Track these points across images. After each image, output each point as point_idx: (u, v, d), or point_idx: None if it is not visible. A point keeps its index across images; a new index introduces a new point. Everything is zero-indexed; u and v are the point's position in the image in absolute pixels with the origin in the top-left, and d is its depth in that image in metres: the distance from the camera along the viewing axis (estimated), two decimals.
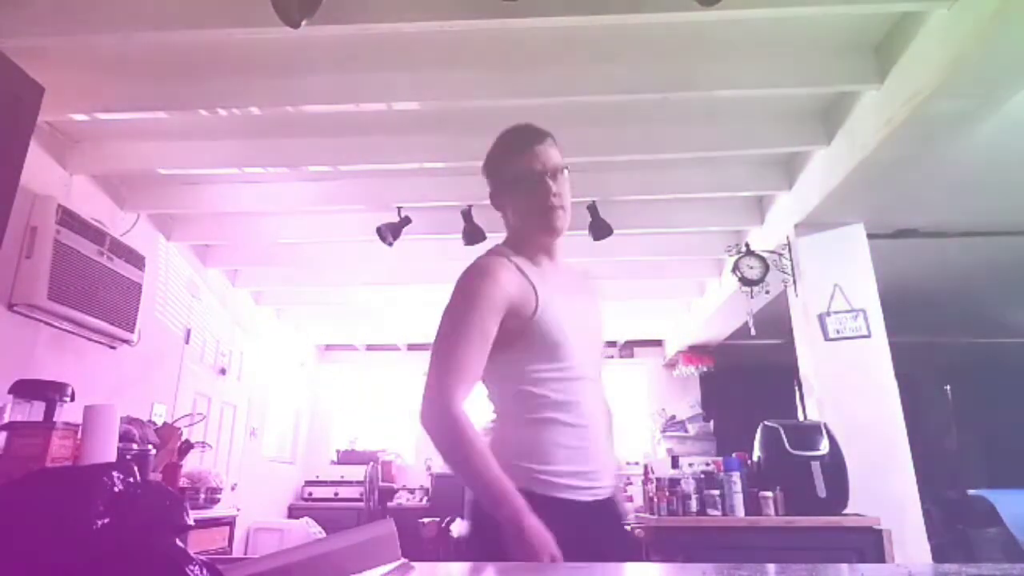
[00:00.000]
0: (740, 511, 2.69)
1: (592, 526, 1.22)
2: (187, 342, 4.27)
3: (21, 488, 0.51)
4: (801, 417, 3.88)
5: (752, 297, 3.61)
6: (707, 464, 3.01)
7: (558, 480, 1.20)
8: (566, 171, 1.34)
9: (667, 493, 2.80)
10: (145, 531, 0.51)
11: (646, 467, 3.15)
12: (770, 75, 2.56)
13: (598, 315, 1.43)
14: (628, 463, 6.15)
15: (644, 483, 3.10)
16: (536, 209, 1.31)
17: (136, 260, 3.36)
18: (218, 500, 3.66)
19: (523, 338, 1.24)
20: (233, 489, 4.65)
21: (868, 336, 3.23)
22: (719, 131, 3.04)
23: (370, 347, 7.18)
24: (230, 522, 3.77)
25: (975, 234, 3.99)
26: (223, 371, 4.79)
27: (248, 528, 5.16)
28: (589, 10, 2.12)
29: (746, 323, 4.04)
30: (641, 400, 6.77)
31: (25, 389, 1.79)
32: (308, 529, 5.43)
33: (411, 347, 7.06)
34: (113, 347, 3.38)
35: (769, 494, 2.68)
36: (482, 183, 1.42)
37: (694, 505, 2.76)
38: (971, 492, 5.01)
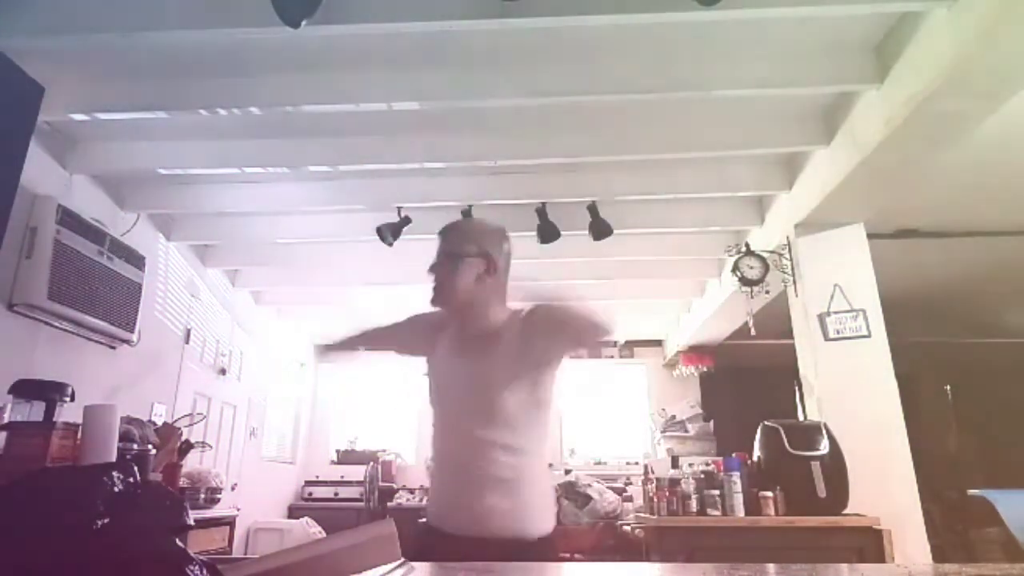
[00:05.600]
0: (740, 511, 2.69)
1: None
2: (187, 342, 4.26)
3: (21, 488, 0.51)
4: (801, 417, 3.87)
5: (752, 297, 3.61)
6: (707, 464, 3.00)
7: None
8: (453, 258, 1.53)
9: (667, 493, 2.79)
10: (145, 531, 0.51)
11: (646, 467, 3.15)
12: (770, 75, 2.56)
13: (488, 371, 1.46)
14: (628, 463, 6.16)
15: (644, 483, 3.10)
16: None
17: (136, 260, 3.36)
18: (218, 500, 3.66)
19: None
20: (233, 489, 4.65)
21: (868, 336, 3.22)
22: (719, 131, 3.04)
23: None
24: (230, 522, 3.78)
25: (975, 234, 3.99)
26: (223, 371, 4.78)
27: (248, 528, 5.16)
28: (588, 10, 2.12)
29: (746, 323, 4.04)
30: (641, 400, 6.77)
31: (25, 389, 1.79)
32: (308, 529, 5.43)
33: None
34: (113, 347, 3.37)
35: (769, 494, 2.68)
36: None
37: (694, 505, 2.76)
38: (971, 492, 5.00)
